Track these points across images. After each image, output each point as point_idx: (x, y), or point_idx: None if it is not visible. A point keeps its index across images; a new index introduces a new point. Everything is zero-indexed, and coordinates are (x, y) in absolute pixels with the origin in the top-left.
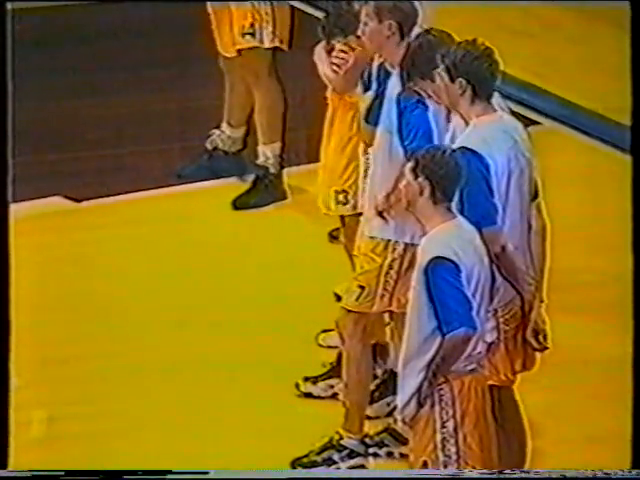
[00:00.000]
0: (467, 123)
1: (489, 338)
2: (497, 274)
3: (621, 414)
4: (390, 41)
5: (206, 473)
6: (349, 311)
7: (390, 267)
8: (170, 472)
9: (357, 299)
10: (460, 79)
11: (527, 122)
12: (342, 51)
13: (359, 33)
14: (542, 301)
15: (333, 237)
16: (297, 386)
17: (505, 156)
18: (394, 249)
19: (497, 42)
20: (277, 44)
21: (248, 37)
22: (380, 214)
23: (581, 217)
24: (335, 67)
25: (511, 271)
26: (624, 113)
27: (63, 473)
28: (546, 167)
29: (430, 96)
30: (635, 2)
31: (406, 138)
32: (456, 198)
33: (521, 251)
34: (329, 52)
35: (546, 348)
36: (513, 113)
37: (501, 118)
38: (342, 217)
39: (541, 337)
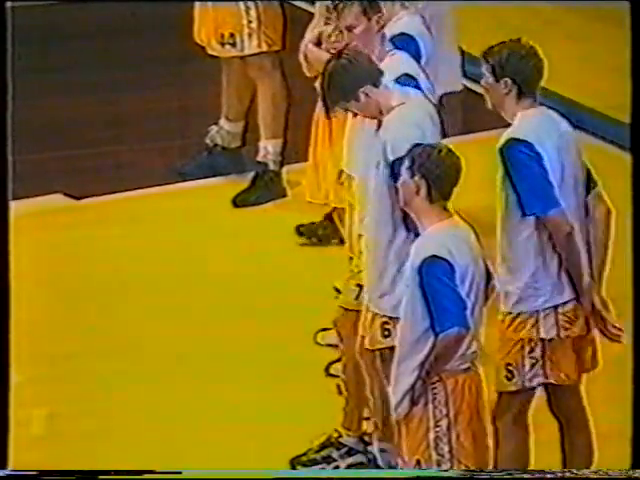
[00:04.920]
0: (512, 122)
1: (548, 334)
2: (556, 267)
3: (621, 414)
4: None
5: (179, 473)
6: (348, 310)
7: None
8: (146, 472)
9: (356, 298)
10: (506, 79)
11: None
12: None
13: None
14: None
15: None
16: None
17: (555, 143)
18: None
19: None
20: (264, 49)
21: (228, 47)
22: None
23: None
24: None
25: (575, 259)
26: (624, 111)
27: (36, 473)
28: None
29: (356, 114)
30: (635, 1)
31: None
32: (511, 192)
33: (580, 239)
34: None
35: (618, 341)
36: None
37: (547, 111)
38: (339, 215)
39: (610, 327)
